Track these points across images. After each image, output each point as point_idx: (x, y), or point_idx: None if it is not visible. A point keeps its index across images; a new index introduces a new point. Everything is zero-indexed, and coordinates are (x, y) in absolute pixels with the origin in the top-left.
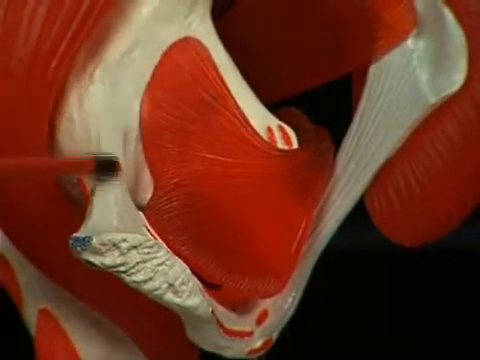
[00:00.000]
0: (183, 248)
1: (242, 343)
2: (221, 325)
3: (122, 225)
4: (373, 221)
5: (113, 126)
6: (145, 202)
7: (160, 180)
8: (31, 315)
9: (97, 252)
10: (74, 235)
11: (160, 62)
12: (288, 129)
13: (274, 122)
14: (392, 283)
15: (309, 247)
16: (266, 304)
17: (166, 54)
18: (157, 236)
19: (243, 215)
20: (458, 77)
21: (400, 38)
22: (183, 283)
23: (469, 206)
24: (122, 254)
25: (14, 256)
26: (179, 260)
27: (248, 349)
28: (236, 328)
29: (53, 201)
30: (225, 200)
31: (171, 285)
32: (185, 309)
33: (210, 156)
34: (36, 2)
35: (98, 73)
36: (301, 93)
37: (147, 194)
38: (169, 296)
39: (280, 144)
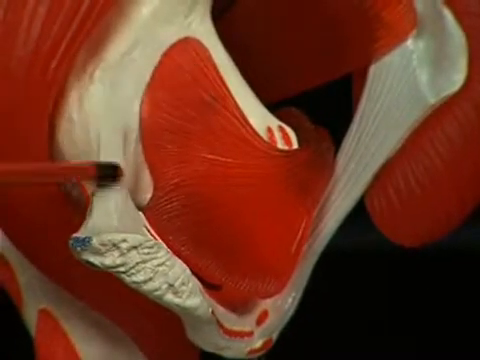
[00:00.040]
0: (183, 248)
1: (242, 343)
2: (221, 325)
3: (122, 225)
4: (373, 221)
5: (113, 126)
6: (145, 202)
7: (160, 180)
8: (31, 315)
9: (97, 252)
10: (74, 235)
11: (160, 62)
12: (288, 129)
13: (274, 122)
14: (392, 283)
15: (309, 247)
16: (266, 304)
17: (166, 54)
18: (157, 236)
19: (243, 215)
20: (458, 77)
21: (400, 38)
22: (183, 283)
23: (469, 206)
24: (122, 254)
25: (14, 256)
26: (179, 260)
27: (248, 349)
28: (236, 328)
29: (53, 201)
30: (225, 200)
31: (171, 285)
32: (185, 309)
33: (210, 156)
34: (36, 2)
35: (98, 73)
36: (301, 93)
37: (147, 194)
38: (169, 296)
39: (280, 144)
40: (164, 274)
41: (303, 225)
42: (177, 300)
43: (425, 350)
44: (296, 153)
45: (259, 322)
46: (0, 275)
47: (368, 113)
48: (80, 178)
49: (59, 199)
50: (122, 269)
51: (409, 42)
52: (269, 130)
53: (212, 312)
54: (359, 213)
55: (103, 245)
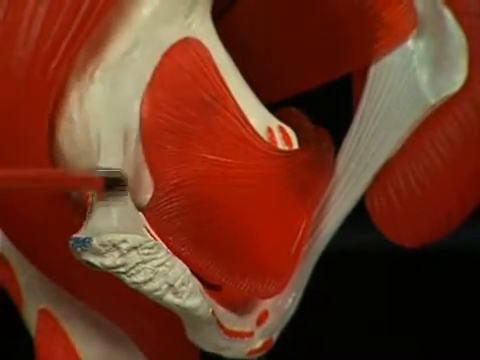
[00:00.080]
0: (183, 249)
1: (242, 344)
2: (221, 326)
3: (122, 226)
4: (373, 221)
5: (113, 126)
6: (145, 203)
7: (160, 181)
8: (31, 315)
9: (97, 253)
10: (74, 236)
11: (160, 62)
12: (288, 129)
13: (274, 122)
14: (392, 283)
15: (309, 247)
16: (266, 304)
17: (166, 54)
18: (157, 237)
19: (243, 216)
20: (458, 78)
21: (400, 39)
22: (183, 284)
23: (469, 206)
24: (122, 255)
25: (14, 256)
26: (179, 261)
27: (248, 349)
28: (236, 329)
29: (53, 201)
30: (225, 201)
31: (171, 286)
32: (185, 310)
33: (210, 157)
34: (36, 2)
35: (98, 73)
36: (301, 93)
37: (147, 195)
38: (169, 297)
39: (280, 144)
40: (164, 274)
41: (303, 225)
42: (177, 300)
43: (425, 350)
44: (296, 153)
45: (259, 322)
46: (0, 275)
47: (368, 113)
48: (87, 188)
49: (59, 199)
50: (122, 269)
51: (409, 42)
52: (269, 130)
53: (212, 312)
54: (359, 213)
55: (103, 246)
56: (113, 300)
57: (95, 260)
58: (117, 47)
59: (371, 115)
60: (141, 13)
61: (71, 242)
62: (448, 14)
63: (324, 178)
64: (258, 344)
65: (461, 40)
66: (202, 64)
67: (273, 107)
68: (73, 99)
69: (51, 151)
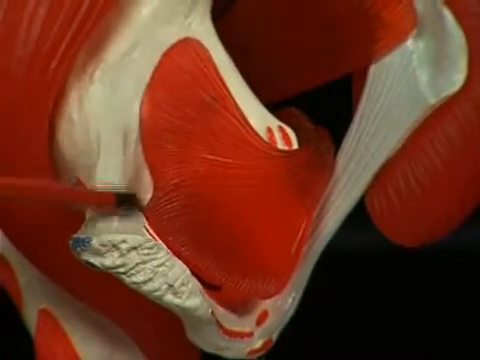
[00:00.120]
0: (183, 249)
1: (242, 344)
2: (221, 326)
3: (122, 226)
4: (373, 221)
5: (113, 127)
6: (145, 203)
7: (160, 181)
8: (31, 315)
9: (97, 253)
10: (74, 236)
11: (160, 63)
12: (288, 129)
13: (274, 122)
14: (392, 283)
15: (309, 247)
16: (266, 305)
17: (166, 55)
18: (157, 237)
19: (243, 216)
20: (458, 78)
21: (400, 39)
22: (183, 284)
23: (469, 206)
24: (122, 255)
25: (14, 257)
26: (179, 261)
27: (248, 350)
28: (236, 329)
29: None
30: (225, 201)
31: (171, 286)
32: (185, 310)
33: (210, 157)
34: (36, 2)
35: (98, 74)
36: (301, 93)
37: (147, 195)
38: (169, 297)
39: (280, 145)
40: (164, 275)
41: (303, 225)
42: (177, 301)
43: (425, 350)
44: (296, 153)
45: (259, 322)
46: (0, 275)
47: (368, 113)
48: (99, 204)
49: None
50: (122, 270)
51: (409, 42)
52: (269, 130)
53: (212, 312)
54: (359, 213)
55: (103, 246)
56: (113, 300)
57: (95, 260)
58: (117, 47)
59: (371, 115)
60: (141, 13)
61: (71, 242)
62: (448, 14)
63: (324, 178)
64: (258, 344)
65: (461, 40)
66: (202, 64)
67: (273, 107)
68: (73, 99)
69: (51, 151)
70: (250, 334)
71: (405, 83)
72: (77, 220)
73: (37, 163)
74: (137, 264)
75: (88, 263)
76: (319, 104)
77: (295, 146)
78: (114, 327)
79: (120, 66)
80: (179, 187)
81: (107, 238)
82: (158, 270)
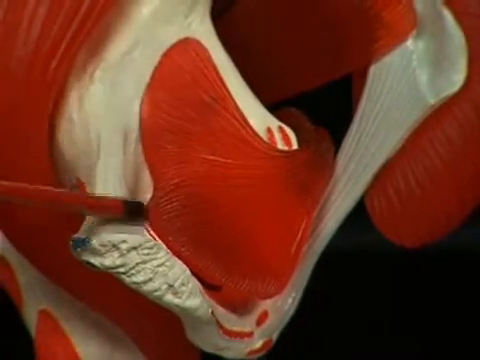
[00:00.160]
0: (183, 249)
1: (242, 344)
2: (221, 326)
3: (122, 226)
4: (373, 221)
5: (113, 126)
6: (145, 203)
7: (160, 181)
8: (31, 316)
9: (97, 253)
10: (74, 236)
11: (160, 62)
12: (288, 130)
13: (274, 123)
14: (392, 283)
15: (309, 248)
16: (266, 305)
17: (166, 55)
18: (157, 237)
19: (243, 216)
20: (458, 78)
21: (400, 39)
22: (183, 284)
23: (469, 206)
24: (122, 255)
25: (14, 257)
26: (179, 261)
27: (248, 350)
28: (236, 329)
29: None
30: (225, 201)
31: (171, 286)
32: (185, 310)
33: (210, 157)
34: (36, 2)
35: (98, 73)
36: (301, 93)
37: (147, 195)
38: (169, 297)
39: (280, 145)
40: (164, 275)
41: (303, 225)
42: (177, 301)
43: (425, 350)
44: (296, 153)
45: (259, 323)
46: (0, 275)
47: (368, 113)
48: (107, 212)
49: None
50: (122, 270)
51: (409, 42)
52: (269, 131)
53: (212, 313)
54: (359, 213)
55: (103, 246)
56: (113, 300)
57: (95, 260)
58: (117, 47)
59: (371, 115)
60: (141, 13)
61: (71, 242)
62: (448, 14)
63: (324, 178)
64: (258, 344)
65: (461, 40)
66: (202, 64)
67: (273, 107)
68: (73, 99)
69: (51, 151)
70: (250, 334)
71: (405, 83)
72: (77, 220)
73: (37, 163)
74: (137, 264)
75: (88, 263)
76: (319, 104)
77: (295, 146)
78: (114, 327)
79: (120, 66)
80: (179, 187)
81: (107, 238)
82: (158, 270)
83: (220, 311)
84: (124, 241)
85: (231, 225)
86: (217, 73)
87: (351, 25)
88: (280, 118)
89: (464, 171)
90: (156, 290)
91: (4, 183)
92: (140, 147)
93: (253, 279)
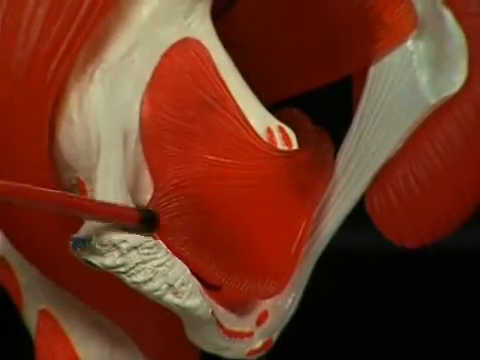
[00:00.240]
0: (183, 249)
1: (242, 344)
2: (221, 326)
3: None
4: (373, 222)
5: (113, 127)
6: (145, 203)
7: (160, 181)
8: (31, 316)
9: (97, 253)
10: (74, 236)
11: (160, 63)
12: (288, 130)
13: (274, 123)
14: (392, 283)
15: (309, 248)
16: (266, 305)
17: (166, 55)
18: (157, 237)
19: (243, 216)
20: (458, 78)
21: (400, 39)
22: (183, 284)
23: (469, 207)
24: (122, 255)
25: (15, 257)
26: (179, 261)
27: (248, 350)
28: (236, 329)
29: None
30: (225, 201)
31: (171, 286)
32: (185, 310)
33: (210, 157)
34: (36, 3)
35: (98, 74)
36: (301, 94)
37: (147, 195)
38: (169, 297)
39: (280, 145)
40: (164, 274)
41: (303, 226)
42: (177, 300)
43: (425, 350)
44: (296, 154)
45: (259, 323)
46: (0, 275)
47: (368, 114)
48: (121, 220)
49: None
50: (122, 269)
51: (409, 43)
52: (269, 131)
53: (212, 312)
54: (359, 213)
55: (103, 245)
56: (113, 300)
57: (95, 260)
58: (117, 48)
59: (371, 115)
60: (141, 13)
61: (71, 242)
62: (448, 14)
63: (324, 178)
64: (258, 344)
65: (461, 40)
66: (202, 64)
67: (273, 107)
68: (73, 100)
69: (51, 151)
70: (250, 334)
71: (405, 84)
72: (77, 220)
73: (37, 163)
74: (137, 264)
75: (88, 263)
76: (319, 104)
77: (295, 146)
78: (114, 327)
79: (120, 66)
80: (179, 187)
81: (107, 238)
82: (158, 270)
83: (220, 311)
84: (124, 241)
85: (231, 225)
86: (217, 73)
87: (351, 26)
88: (280, 118)
89: (464, 171)
90: (156, 290)
91: (15, 185)
92: (140, 147)
93: (253, 279)
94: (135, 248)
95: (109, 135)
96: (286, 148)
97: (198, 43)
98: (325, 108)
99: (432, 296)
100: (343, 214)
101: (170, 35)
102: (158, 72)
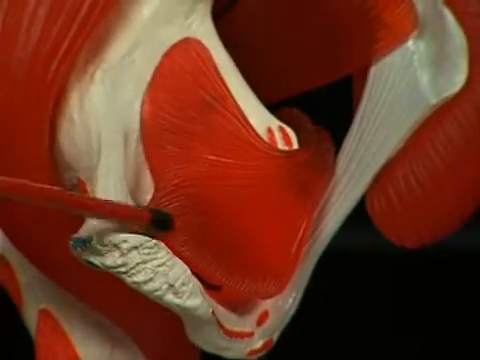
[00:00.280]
0: (183, 249)
1: (242, 344)
2: (221, 326)
3: (122, 226)
4: (373, 222)
5: (114, 127)
6: (146, 203)
7: (161, 181)
8: (31, 315)
9: (97, 253)
10: (75, 236)
11: (161, 63)
12: (288, 130)
13: (274, 123)
14: (392, 283)
15: (309, 248)
16: (266, 305)
17: (167, 55)
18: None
19: (243, 216)
20: (459, 78)
21: (401, 39)
22: (183, 284)
23: (470, 207)
24: (122, 255)
25: (14, 257)
26: (179, 261)
27: (248, 350)
28: (236, 329)
29: None
30: (226, 201)
31: (171, 286)
32: (185, 310)
33: (211, 157)
34: (37, 3)
35: (99, 74)
36: (301, 93)
37: (148, 195)
38: (169, 297)
39: (280, 145)
40: (164, 274)
41: (303, 225)
42: (177, 300)
43: (426, 351)
44: (296, 154)
45: (259, 323)
46: (0, 275)
47: (369, 114)
48: (134, 221)
49: None
50: (123, 269)
51: (410, 43)
52: (269, 130)
53: (212, 312)
54: (359, 213)
55: (103, 245)
56: (113, 300)
57: (95, 260)
58: (118, 48)
59: (371, 115)
60: (141, 14)
61: (71, 242)
62: (448, 14)
63: (324, 178)
64: (258, 344)
65: (461, 40)
66: (202, 64)
67: (274, 107)
68: (74, 100)
69: (52, 151)
70: (250, 334)
71: (406, 84)
72: (77, 220)
73: (38, 163)
74: (138, 264)
75: (89, 263)
76: (319, 104)
77: (295, 146)
78: (114, 327)
79: (121, 66)
80: (180, 187)
81: (108, 238)
82: (159, 270)
83: (220, 311)
84: (125, 241)
85: (232, 225)
86: (218, 73)
87: (351, 26)
88: (280, 118)
89: (465, 171)
90: (157, 290)
91: (27, 183)
92: (141, 147)
93: (253, 279)
94: (135, 248)
95: (110, 135)
96: (286, 148)
97: (199, 43)
98: (325, 108)
99: (432, 296)
100: (344, 214)
101: (171, 35)
102: (159, 72)
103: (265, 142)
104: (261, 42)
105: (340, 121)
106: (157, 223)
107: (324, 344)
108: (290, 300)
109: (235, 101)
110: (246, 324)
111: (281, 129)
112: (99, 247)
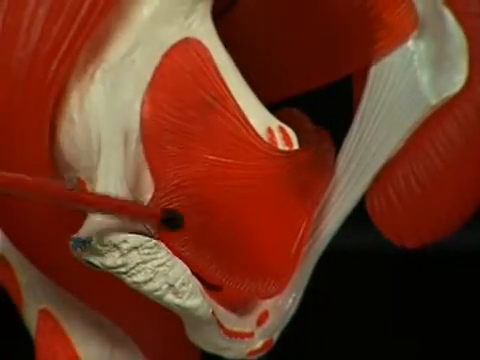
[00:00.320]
0: (183, 249)
1: (242, 344)
2: (221, 326)
3: (122, 226)
4: (373, 222)
5: (114, 127)
6: (146, 203)
7: (161, 181)
8: (31, 315)
9: (97, 253)
10: (74, 236)
11: (161, 63)
12: (288, 130)
13: (275, 123)
14: (392, 283)
15: (309, 248)
16: (266, 305)
17: (167, 55)
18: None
19: (243, 216)
20: (459, 78)
21: (401, 39)
22: (183, 284)
23: (470, 207)
24: (122, 255)
25: (14, 257)
26: (179, 261)
27: (248, 350)
28: (236, 329)
29: None
30: (226, 201)
31: (171, 286)
32: (185, 310)
33: (211, 157)
34: (37, 3)
35: (99, 74)
36: (301, 94)
37: (148, 195)
38: (169, 297)
39: (280, 145)
40: (164, 274)
41: (303, 225)
42: (177, 300)
43: (426, 351)
44: (297, 154)
45: (259, 323)
46: (0, 275)
47: (369, 114)
48: (144, 218)
49: None
50: (123, 269)
51: (410, 43)
52: (269, 131)
53: (212, 312)
54: (359, 213)
55: (103, 246)
56: (113, 300)
57: (95, 260)
58: (118, 48)
59: (371, 115)
60: (141, 14)
61: (71, 242)
62: (448, 14)
63: (324, 178)
64: (258, 344)
65: (461, 40)
66: (202, 64)
67: (274, 107)
68: (74, 100)
69: (52, 151)
70: (250, 334)
71: (406, 84)
72: (77, 220)
73: (38, 163)
74: (138, 264)
75: (89, 263)
76: (319, 105)
77: (296, 146)
78: (114, 327)
79: (121, 66)
80: (180, 188)
81: (107, 238)
82: (159, 270)
83: (220, 311)
84: (125, 241)
85: (232, 225)
86: (218, 73)
87: (351, 26)
88: (281, 118)
89: (465, 171)
90: (157, 290)
91: (38, 180)
92: (141, 147)
93: (253, 279)
94: (135, 248)
95: (110, 135)
96: (287, 148)
97: (199, 43)
98: (325, 108)
99: (432, 296)
100: (344, 214)
101: (171, 35)
102: (159, 72)
103: (265, 142)
104: (261, 42)
105: (340, 121)
106: (167, 221)
107: (324, 344)
108: (290, 300)
109: (235, 101)
110: (246, 324)
111: (281, 129)
112: (99, 247)
